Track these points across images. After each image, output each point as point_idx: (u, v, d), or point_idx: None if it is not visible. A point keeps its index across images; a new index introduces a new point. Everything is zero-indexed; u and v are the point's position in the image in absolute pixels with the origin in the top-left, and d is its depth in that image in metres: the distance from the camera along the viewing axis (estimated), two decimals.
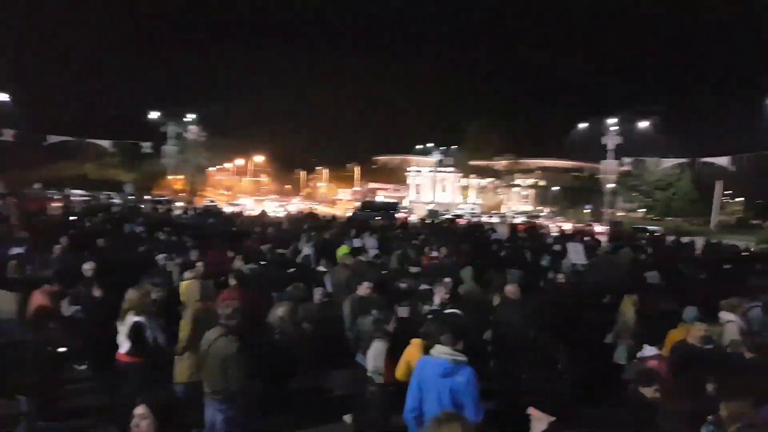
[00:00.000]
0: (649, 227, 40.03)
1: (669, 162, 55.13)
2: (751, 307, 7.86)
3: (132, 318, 5.87)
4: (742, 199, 79.56)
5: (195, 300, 6.25)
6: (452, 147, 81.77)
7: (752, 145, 47.31)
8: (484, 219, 48.45)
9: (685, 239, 23.35)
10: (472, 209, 64.79)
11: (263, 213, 26.88)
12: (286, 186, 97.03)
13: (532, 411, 3.34)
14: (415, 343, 5.49)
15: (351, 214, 36.50)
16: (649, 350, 5.65)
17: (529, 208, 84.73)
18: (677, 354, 5.63)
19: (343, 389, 7.40)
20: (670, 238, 23.77)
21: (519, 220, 50.95)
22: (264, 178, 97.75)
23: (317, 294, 7.72)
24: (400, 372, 5.41)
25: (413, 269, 10.79)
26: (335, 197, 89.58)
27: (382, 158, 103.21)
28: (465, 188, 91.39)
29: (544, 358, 7.13)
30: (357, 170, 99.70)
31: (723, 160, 46.21)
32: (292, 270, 9.64)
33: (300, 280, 8.13)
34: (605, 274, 11.01)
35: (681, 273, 11.80)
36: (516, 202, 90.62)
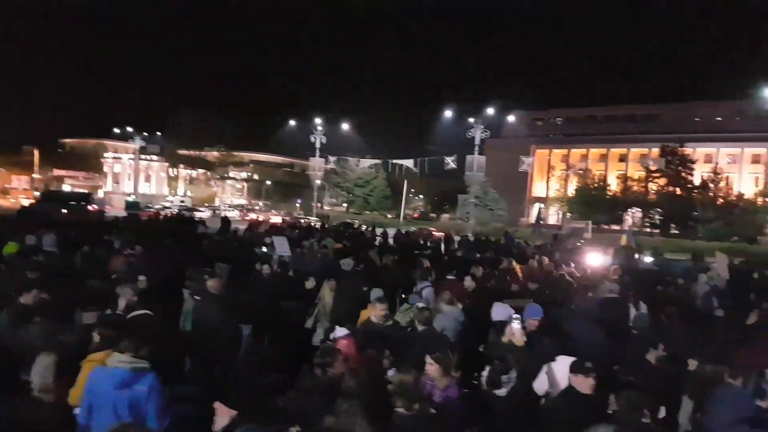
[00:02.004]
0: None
1: (367, 162, 61.55)
2: (424, 286, 9.11)
3: None
4: (423, 196, 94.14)
5: None
6: (157, 133, 75.93)
7: (431, 150, 56.27)
8: (195, 212, 46.47)
9: (379, 230, 26.36)
10: (182, 201, 61.56)
11: None
12: None
13: (216, 405, 3.18)
14: (96, 358, 4.65)
15: (27, 206, 30.62)
16: (340, 331, 5.99)
17: (243, 201, 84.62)
18: (362, 332, 6.16)
19: (5, 416, 5.97)
20: (366, 229, 26.39)
21: (233, 213, 50.47)
22: None
23: None
24: (74, 396, 4.41)
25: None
26: (6, 186, 73.93)
27: (70, 141, 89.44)
28: (173, 179, 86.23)
29: (242, 351, 7.03)
30: (36, 154, 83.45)
31: (409, 162, 53.54)
32: None
33: None
34: (309, 264, 11.53)
35: (371, 259, 13.09)
36: (230, 194, 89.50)
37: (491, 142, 55.03)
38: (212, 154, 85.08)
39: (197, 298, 7.31)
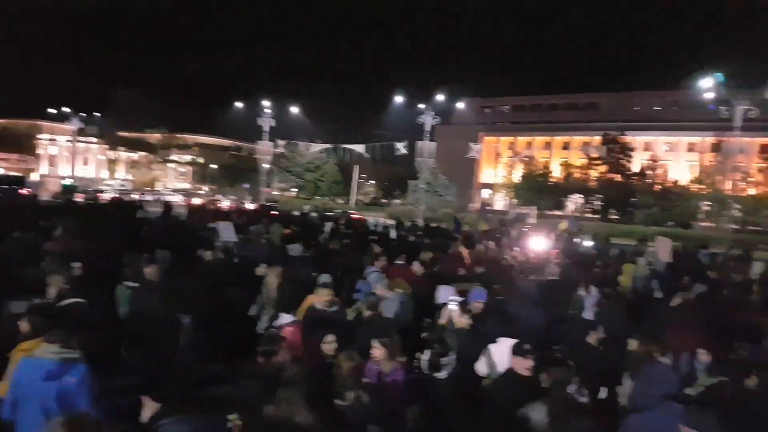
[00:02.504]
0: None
1: (317, 147, 60.94)
2: (371, 271, 9.11)
3: None
4: (374, 181, 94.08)
5: None
6: (96, 114, 72.46)
7: (381, 136, 56.22)
8: (136, 196, 44.88)
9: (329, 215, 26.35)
10: (122, 185, 59.37)
11: None
12: None
13: (143, 398, 3.08)
14: (25, 348, 4.39)
15: None
16: (285, 318, 5.92)
17: (187, 185, 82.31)
18: (307, 318, 6.10)
19: None
20: (315, 215, 26.25)
21: (177, 197, 49.02)
22: None
23: None
24: (2, 389, 4.19)
25: None
26: None
27: (1, 122, 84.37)
28: (113, 162, 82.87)
29: (183, 341, 6.82)
30: None
31: (359, 148, 53.34)
32: None
33: None
34: (255, 250, 11.32)
35: (320, 245, 13.00)
36: (173, 179, 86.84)
37: (441, 128, 55.50)
38: (154, 137, 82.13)
39: (134, 285, 7.05)
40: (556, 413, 3.40)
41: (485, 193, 77.75)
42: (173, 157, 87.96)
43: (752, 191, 54.44)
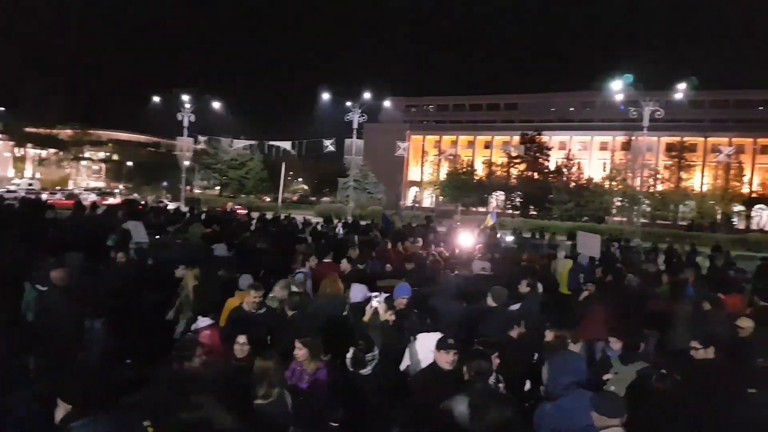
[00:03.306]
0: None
1: (241, 143, 59.37)
2: (298, 272, 9.00)
3: None
4: (302, 179, 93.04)
5: None
6: (0, 108, 67.07)
7: (309, 132, 55.67)
8: (45, 196, 41.88)
9: (255, 214, 25.66)
10: (30, 185, 55.27)
11: None
12: None
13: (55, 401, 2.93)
14: None
15: None
16: (203, 321, 5.70)
17: (101, 184, 77.91)
18: (231, 320, 5.89)
19: None
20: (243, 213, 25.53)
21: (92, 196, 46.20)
22: None
23: None
24: None
25: None
26: None
27: None
28: (20, 160, 77.03)
29: (93, 345, 6.44)
30: None
31: (286, 144, 52.39)
32: None
33: None
34: (172, 251, 10.85)
35: (245, 244, 12.63)
36: (86, 177, 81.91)
37: (369, 126, 55.75)
38: (65, 132, 76.88)
39: (42, 289, 6.57)
40: (477, 404, 3.46)
41: (411, 192, 78.90)
42: (86, 154, 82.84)
43: (660, 187, 58.50)
